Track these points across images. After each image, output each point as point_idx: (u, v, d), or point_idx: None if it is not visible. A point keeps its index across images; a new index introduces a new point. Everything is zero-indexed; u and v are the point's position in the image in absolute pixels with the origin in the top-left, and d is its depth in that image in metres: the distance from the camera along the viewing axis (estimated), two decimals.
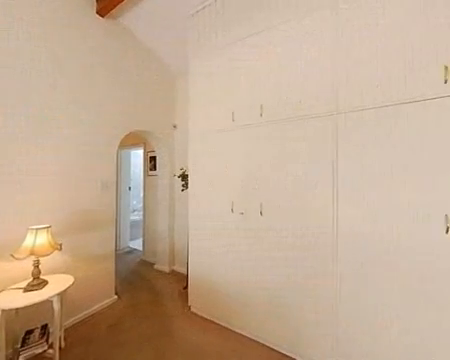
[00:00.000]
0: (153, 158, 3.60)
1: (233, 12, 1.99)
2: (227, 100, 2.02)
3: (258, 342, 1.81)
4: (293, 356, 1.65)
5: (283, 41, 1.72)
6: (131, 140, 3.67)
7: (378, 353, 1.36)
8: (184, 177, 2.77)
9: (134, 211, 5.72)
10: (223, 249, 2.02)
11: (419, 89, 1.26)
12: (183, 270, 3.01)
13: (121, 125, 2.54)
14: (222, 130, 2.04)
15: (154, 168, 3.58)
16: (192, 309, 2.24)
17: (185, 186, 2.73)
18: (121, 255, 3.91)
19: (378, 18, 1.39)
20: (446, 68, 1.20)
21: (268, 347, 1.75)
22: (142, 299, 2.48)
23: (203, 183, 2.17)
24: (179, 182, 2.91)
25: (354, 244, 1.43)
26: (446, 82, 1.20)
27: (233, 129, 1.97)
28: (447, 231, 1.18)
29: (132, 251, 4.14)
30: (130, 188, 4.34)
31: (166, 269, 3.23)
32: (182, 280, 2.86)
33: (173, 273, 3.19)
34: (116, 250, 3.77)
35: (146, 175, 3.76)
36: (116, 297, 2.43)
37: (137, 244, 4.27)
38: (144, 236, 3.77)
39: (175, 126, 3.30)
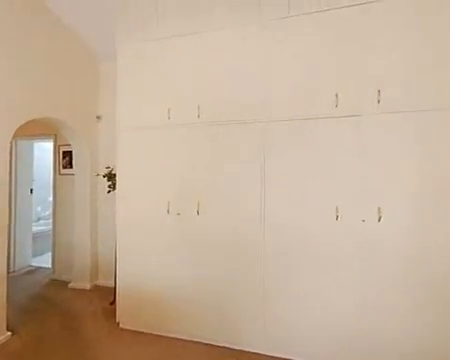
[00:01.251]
0: (68, 153, 2.98)
1: (172, 3, 1.91)
2: (163, 96, 1.92)
3: (197, 342, 1.80)
4: (229, 346, 1.75)
5: (222, 48, 1.79)
6: (36, 129, 2.89)
7: (300, 326, 1.63)
8: (111, 177, 2.43)
9: (39, 220, 4.53)
10: (158, 252, 1.90)
11: (319, 109, 1.60)
12: (109, 283, 2.63)
13: (20, 109, 1.97)
14: (157, 127, 1.93)
15: (69, 165, 2.97)
16: (121, 325, 1.99)
17: (112, 187, 2.40)
18: (18, 277, 3.03)
19: (293, 51, 1.65)
20: (337, 95, 1.56)
21: (206, 344, 1.78)
22: (52, 328, 2.00)
23: (135, 183, 1.98)
24: (103, 182, 2.53)
25: (277, 234, 1.67)
26: (337, 106, 1.57)
27: (169, 127, 1.90)
28: (337, 218, 1.56)
29: (36, 270, 3.29)
30: (32, 190, 3.43)
31: (86, 286, 2.73)
32: (108, 295, 2.50)
33: (96, 289, 2.74)
34: (9, 271, 2.90)
35: (57, 174, 3.06)
36: (9, 334, 1.85)
37: (44, 261, 3.42)
38: (54, 250, 3.05)
39: (99, 117, 2.86)
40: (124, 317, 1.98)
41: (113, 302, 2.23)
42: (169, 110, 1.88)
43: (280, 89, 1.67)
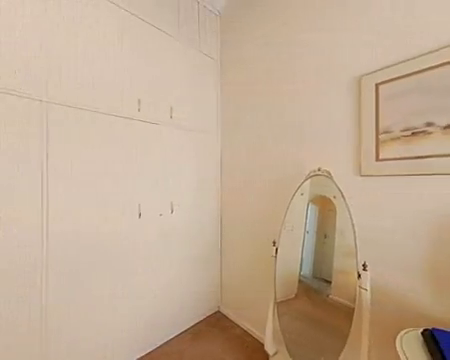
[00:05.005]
0: None
1: None
2: None
3: None
4: None
5: None
6: None
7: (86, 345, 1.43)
8: None
9: None
10: None
11: (123, 108, 1.57)
12: None
13: None
14: None
15: None
16: None
17: None
18: None
19: (89, 34, 1.46)
20: (139, 101, 1.66)
21: None
22: None
23: None
24: None
25: (68, 245, 1.33)
26: (139, 110, 1.67)
27: None
28: (139, 216, 1.65)
29: None
30: None
31: None
32: None
33: None
34: None
35: None
36: None
37: None
38: None
39: None
40: None
41: None
42: None
43: (67, 71, 1.37)
